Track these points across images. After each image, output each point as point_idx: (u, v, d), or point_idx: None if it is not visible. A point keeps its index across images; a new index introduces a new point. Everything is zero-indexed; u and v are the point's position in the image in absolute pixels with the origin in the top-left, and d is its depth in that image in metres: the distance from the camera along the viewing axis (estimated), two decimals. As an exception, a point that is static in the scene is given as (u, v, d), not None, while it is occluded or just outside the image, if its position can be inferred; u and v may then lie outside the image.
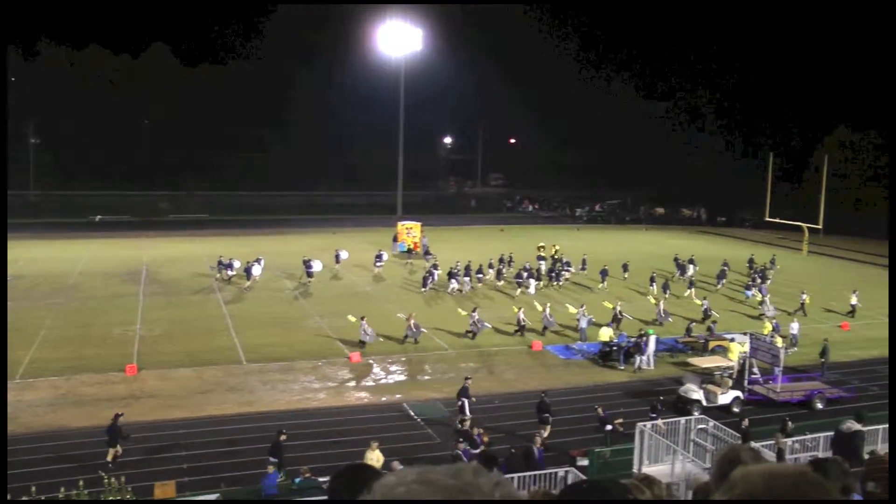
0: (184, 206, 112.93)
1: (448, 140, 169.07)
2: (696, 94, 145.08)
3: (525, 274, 61.81)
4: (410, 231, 74.98)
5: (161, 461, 28.08)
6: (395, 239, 74.99)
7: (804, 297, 55.00)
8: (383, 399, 35.82)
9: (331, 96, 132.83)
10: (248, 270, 61.11)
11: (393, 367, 40.45)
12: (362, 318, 44.34)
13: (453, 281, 59.65)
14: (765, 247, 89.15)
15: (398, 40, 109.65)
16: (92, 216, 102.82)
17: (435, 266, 63.95)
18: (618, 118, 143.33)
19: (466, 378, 33.75)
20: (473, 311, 47.35)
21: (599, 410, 30.98)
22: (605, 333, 43.66)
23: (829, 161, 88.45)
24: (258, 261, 63.80)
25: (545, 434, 29.91)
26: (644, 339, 42.03)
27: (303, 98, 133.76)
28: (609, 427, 30.15)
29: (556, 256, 71.17)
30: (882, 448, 22.67)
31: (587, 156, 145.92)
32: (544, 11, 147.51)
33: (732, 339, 43.78)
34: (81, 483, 23.68)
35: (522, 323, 47.08)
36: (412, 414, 33.72)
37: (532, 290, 60.05)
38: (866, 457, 15.92)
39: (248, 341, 44.24)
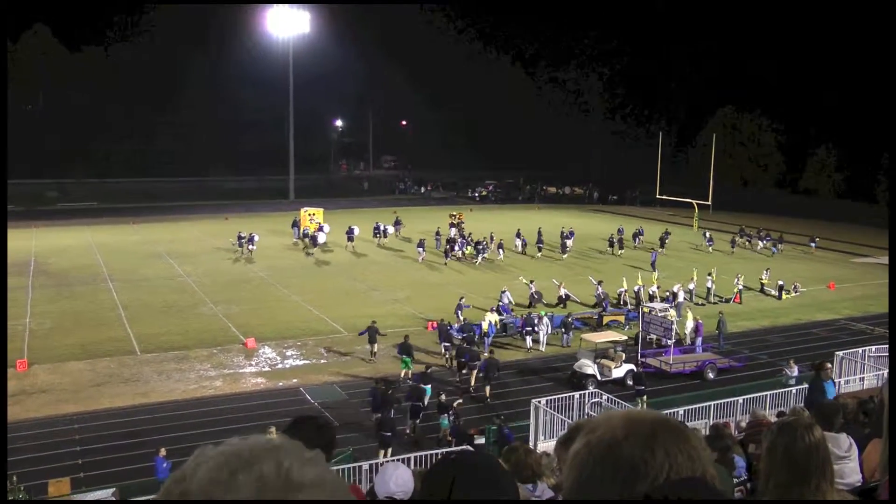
0: (73, 194, 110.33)
1: (339, 123, 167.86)
2: (583, 76, 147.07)
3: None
4: (313, 217, 74.04)
5: (55, 458, 27.52)
6: (294, 224, 74.07)
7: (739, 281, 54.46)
8: (280, 384, 35.75)
9: (220, 80, 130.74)
10: (313, 238, 67.53)
11: (289, 352, 40.33)
12: (531, 281, 50.99)
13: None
14: (657, 223, 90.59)
15: (286, 23, 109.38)
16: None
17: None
18: (509, 99, 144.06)
19: None
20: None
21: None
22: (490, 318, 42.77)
23: (717, 140, 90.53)
24: (321, 228, 69.43)
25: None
26: (537, 319, 42.40)
27: (191, 82, 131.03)
28: None
29: (457, 222, 76.34)
30: (769, 413, 23.29)
31: (479, 137, 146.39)
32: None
33: (627, 314, 44.86)
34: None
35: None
36: (309, 398, 33.77)
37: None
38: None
39: (141, 331, 43.61)
